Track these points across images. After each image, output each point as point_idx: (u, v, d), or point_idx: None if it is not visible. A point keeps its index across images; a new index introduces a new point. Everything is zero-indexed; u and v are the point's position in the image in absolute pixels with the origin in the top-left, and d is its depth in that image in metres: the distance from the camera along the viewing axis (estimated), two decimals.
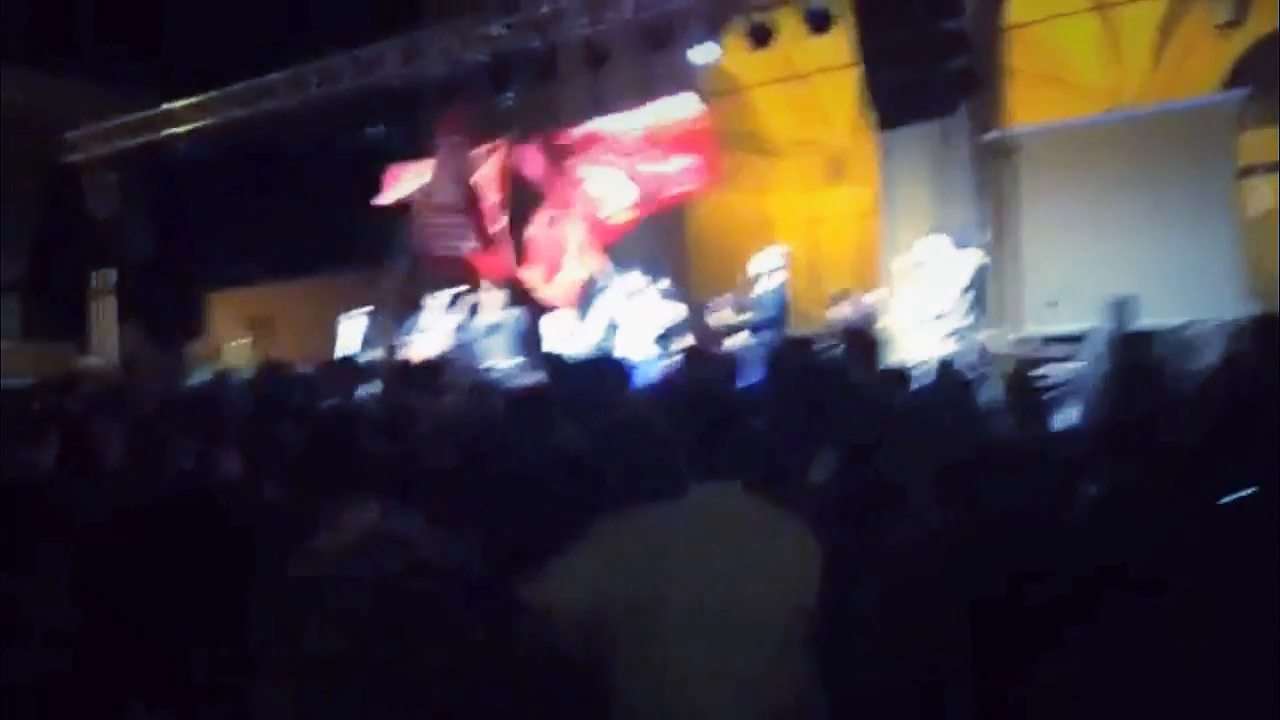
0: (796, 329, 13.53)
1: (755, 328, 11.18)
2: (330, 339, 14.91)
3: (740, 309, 11.44)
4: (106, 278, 19.02)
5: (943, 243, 10.74)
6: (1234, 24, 14.44)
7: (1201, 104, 13.73)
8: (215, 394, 8.36)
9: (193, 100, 16.94)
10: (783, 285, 11.32)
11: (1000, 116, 11.33)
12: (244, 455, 5.93)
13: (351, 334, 13.91)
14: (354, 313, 13.97)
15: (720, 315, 11.58)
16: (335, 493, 4.00)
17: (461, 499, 4.53)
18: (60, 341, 17.30)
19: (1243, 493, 2.94)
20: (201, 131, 16.78)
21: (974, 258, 10.71)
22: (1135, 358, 5.97)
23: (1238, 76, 15.63)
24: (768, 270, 11.44)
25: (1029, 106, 13.59)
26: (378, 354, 12.99)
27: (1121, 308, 10.40)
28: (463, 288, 13.36)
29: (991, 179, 12.91)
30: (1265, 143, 12.15)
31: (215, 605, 3.02)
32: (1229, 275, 11.81)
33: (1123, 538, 2.66)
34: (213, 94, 16.71)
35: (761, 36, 12.40)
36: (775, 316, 11.23)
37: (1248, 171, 12.12)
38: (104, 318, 19.14)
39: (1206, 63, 16.71)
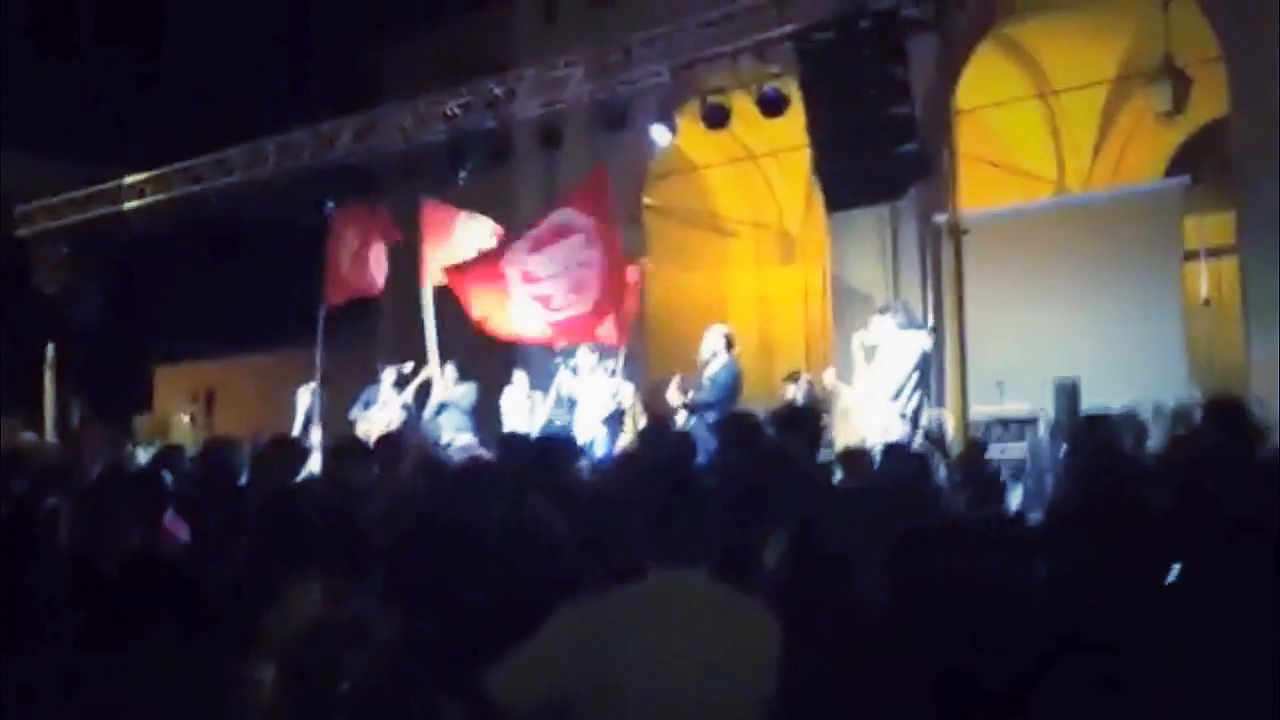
0: (745, 408, 13.56)
1: (699, 407, 11.15)
2: (276, 414, 14.77)
3: (686, 389, 11.41)
4: (50, 352, 18.77)
5: (892, 323, 10.84)
6: (1174, 113, 14.85)
7: (1146, 190, 14.05)
8: (160, 471, 8.23)
9: (147, 174, 16.88)
10: (727, 366, 11.31)
11: (948, 200, 11.54)
12: (190, 533, 5.85)
13: (300, 409, 13.77)
14: (304, 387, 13.84)
15: (669, 394, 11.56)
16: (283, 572, 3.95)
17: (412, 578, 4.47)
18: (4, 417, 17.01)
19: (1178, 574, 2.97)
20: (154, 206, 16.69)
21: (922, 339, 10.82)
22: (1099, 438, 6.03)
23: (1180, 164, 16.03)
24: (711, 351, 11.42)
25: (976, 190, 13.85)
26: (317, 431, 12.87)
27: (1066, 389, 10.54)
28: (413, 364, 13.30)
29: (940, 261, 13.10)
30: (1208, 229, 12.43)
31: (163, 687, 2.96)
32: (1173, 358, 12.00)
33: (1086, 616, 2.67)
34: (167, 168, 16.66)
35: (716, 118, 12.56)
36: (721, 398, 11.18)
37: (1191, 257, 12.36)
38: (48, 392, 18.86)
39: (1148, 150, 17.14)
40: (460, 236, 13.04)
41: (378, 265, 13.43)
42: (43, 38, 23.76)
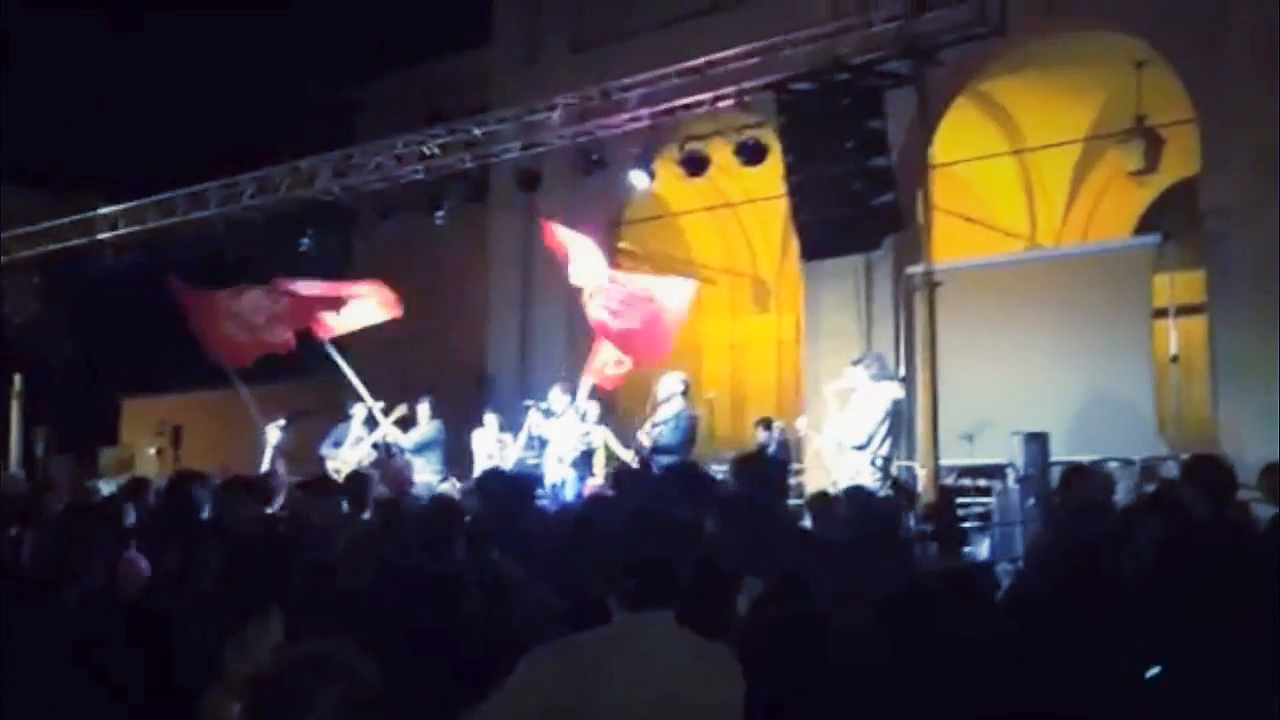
0: (718, 453, 13.57)
1: (656, 451, 11.24)
2: (244, 450, 14.66)
3: (648, 433, 11.49)
4: (18, 382, 18.60)
5: (865, 374, 10.87)
6: (1146, 172, 15.06)
7: (1118, 247, 14.19)
8: (126, 505, 8.15)
9: (121, 206, 16.79)
10: (682, 412, 11.44)
11: (923, 252, 11.62)
12: (152, 567, 5.79)
13: (269, 445, 13.65)
14: (272, 424, 13.73)
15: (639, 437, 11.61)
16: (246, 606, 3.90)
17: (379, 620, 4.42)
18: None
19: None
20: (128, 238, 16.59)
21: (894, 389, 10.85)
22: (1079, 494, 6.06)
23: (1150, 222, 16.22)
24: (667, 395, 11.55)
25: (950, 244, 13.95)
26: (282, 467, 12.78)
27: (1036, 442, 10.58)
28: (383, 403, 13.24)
29: (913, 312, 13.17)
30: (1178, 287, 12.56)
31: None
32: (1141, 413, 12.07)
33: (1067, 663, 2.67)
34: (142, 201, 16.58)
35: (694, 166, 12.63)
36: (680, 441, 11.32)
37: (1161, 314, 12.47)
38: (14, 422, 18.67)
39: (1119, 208, 17.35)
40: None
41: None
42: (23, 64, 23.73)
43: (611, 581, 3.23)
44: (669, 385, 11.56)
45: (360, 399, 13.35)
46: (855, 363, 11.20)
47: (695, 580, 3.95)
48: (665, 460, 11.09)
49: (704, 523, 5.76)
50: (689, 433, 11.47)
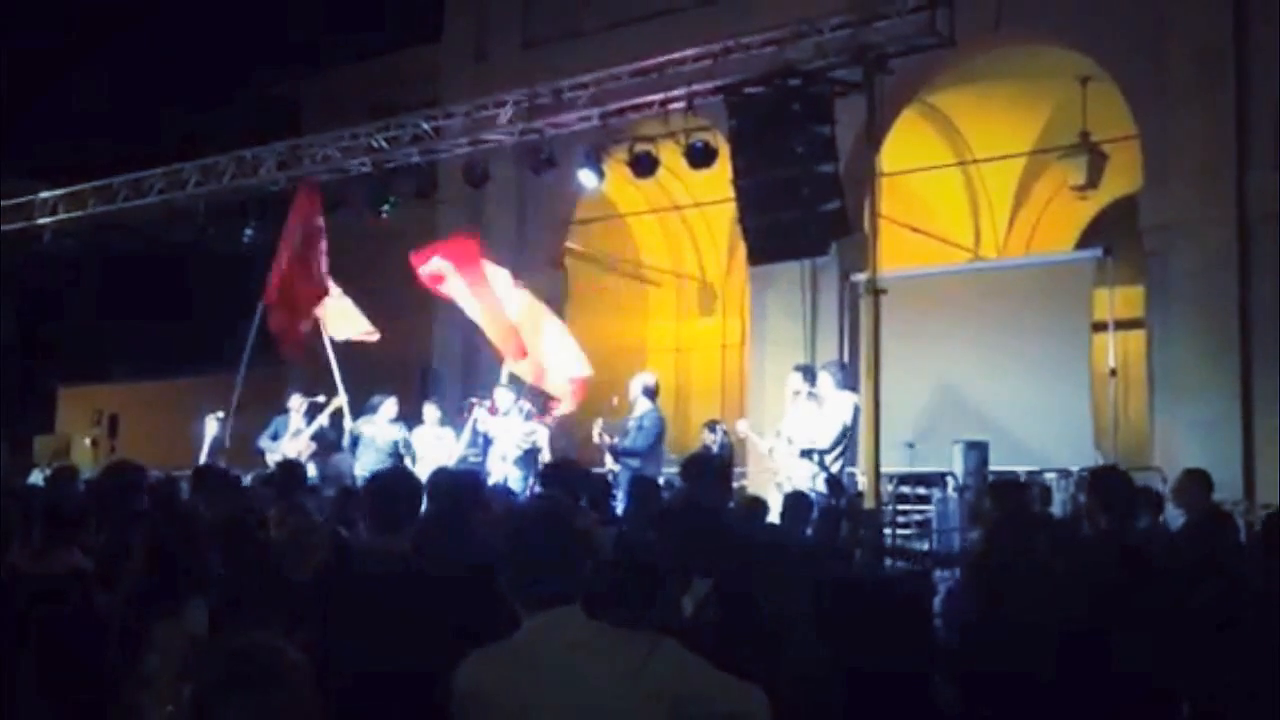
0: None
1: (623, 454, 11.14)
2: (181, 441, 14.47)
3: (610, 434, 11.37)
4: None
5: (829, 379, 10.87)
6: (1088, 187, 15.26)
7: (1060, 261, 14.36)
8: (57, 491, 8.01)
9: (61, 191, 16.49)
10: (650, 414, 11.30)
11: (868, 260, 11.68)
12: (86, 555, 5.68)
13: (207, 436, 13.47)
14: (211, 415, 13.56)
15: (593, 437, 11.48)
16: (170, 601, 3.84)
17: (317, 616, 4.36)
18: None
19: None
20: (68, 224, 16.28)
21: (854, 398, 10.86)
22: (1015, 501, 6.13)
23: (1091, 237, 16.44)
24: (634, 396, 11.47)
25: (894, 253, 14.04)
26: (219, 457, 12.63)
27: (975, 451, 10.66)
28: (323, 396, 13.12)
29: (857, 319, 13.24)
30: (1118, 301, 12.73)
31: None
32: (1079, 425, 12.21)
33: (1005, 669, 2.69)
34: (82, 185, 16.28)
35: (643, 167, 12.60)
36: (649, 444, 11.15)
37: (1100, 328, 12.62)
38: None
39: (1061, 222, 17.57)
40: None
41: None
42: None
43: (509, 585, 3.12)
44: (634, 386, 11.42)
45: (302, 389, 13.23)
46: (798, 368, 11.24)
47: (614, 576, 3.91)
48: (632, 464, 10.92)
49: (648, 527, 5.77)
50: (657, 436, 11.25)
